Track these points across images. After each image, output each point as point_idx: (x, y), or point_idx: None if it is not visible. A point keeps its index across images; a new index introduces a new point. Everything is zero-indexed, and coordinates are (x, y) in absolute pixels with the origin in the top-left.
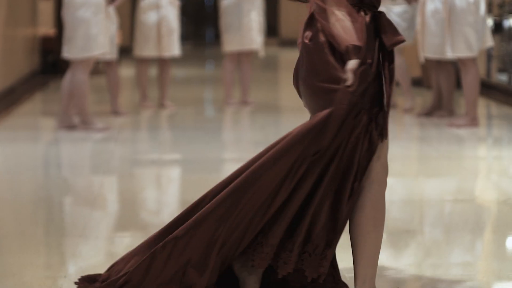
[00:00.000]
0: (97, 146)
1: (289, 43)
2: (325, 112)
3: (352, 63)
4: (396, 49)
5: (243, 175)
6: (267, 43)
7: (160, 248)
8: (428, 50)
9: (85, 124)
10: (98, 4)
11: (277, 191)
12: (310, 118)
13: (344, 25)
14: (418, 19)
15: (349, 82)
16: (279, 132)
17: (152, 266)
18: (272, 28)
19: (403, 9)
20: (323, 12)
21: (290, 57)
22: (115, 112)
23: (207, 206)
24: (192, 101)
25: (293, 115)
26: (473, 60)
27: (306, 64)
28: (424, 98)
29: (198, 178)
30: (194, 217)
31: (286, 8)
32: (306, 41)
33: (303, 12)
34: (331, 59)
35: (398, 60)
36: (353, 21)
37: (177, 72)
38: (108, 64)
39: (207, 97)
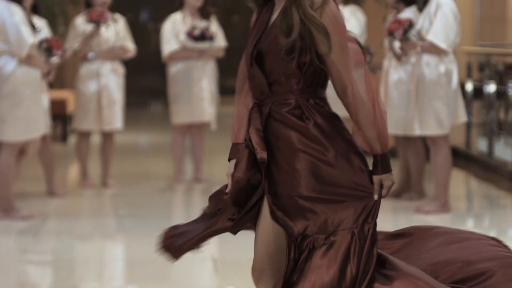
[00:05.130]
0: (16, 240)
1: None
2: None
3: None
4: None
5: None
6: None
7: None
8: (392, 125)
9: (7, 212)
10: (37, 80)
11: None
12: None
13: None
14: (381, 90)
15: None
16: None
17: None
18: None
19: None
20: None
21: None
22: (51, 193)
23: None
24: (142, 176)
25: None
26: (444, 138)
27: None
28: (396, 172)
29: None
30: None
31: None
32: None
33: None
34: None
35: None
36: None
37: (141, 139)
38: (42, 138)
39: (159, 171)
